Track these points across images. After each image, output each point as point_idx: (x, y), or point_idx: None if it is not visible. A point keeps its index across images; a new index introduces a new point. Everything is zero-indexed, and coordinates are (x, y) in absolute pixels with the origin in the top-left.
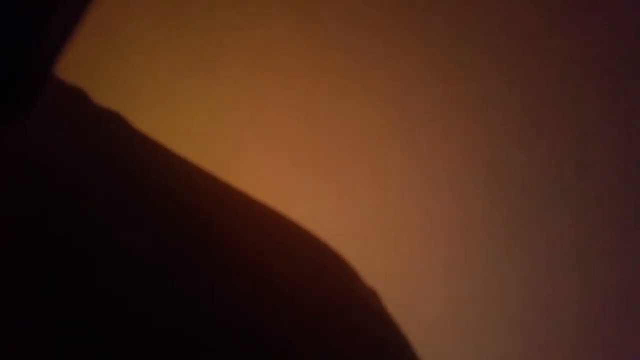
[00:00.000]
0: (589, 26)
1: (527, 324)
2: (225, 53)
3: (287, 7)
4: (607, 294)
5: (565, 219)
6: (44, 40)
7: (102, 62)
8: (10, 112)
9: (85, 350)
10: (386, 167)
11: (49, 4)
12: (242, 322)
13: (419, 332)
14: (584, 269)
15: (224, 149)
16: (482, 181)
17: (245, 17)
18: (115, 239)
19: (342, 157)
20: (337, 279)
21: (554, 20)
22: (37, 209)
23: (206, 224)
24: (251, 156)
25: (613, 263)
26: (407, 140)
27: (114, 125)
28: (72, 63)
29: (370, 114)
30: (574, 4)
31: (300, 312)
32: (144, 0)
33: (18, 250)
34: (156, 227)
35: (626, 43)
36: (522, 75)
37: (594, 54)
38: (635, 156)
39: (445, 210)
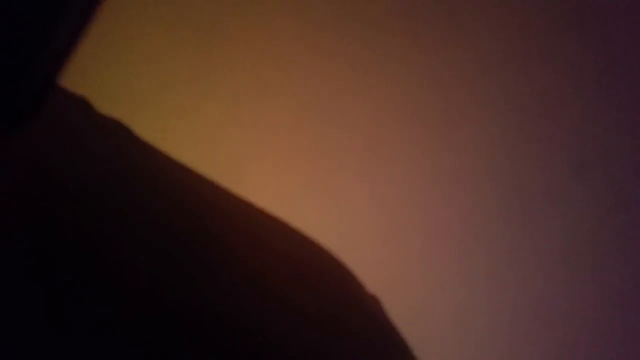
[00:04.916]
0: (589, 26)
1: (530, 329)
2: (227, 61)
3: (291, 13)
4: (609, 294)
5: (568, 220)
6: (50, 48)
7: (104, 70)
8: (16, 119)
9: (81, 354)
10: (388, 174)
11: (57, 13)
12: (241, 328)
13: (421, 338)
14: (588, 270)
15: (226, 156)
16: (483, 184)
17: (249, 25)
18: (115, 246)
19: (343, 164)
20: (339, 286)
21: (554, 21)
22: (37, 216)
23: (208, 232)
24: (253, 163)
25: (616, 263)
26: (409, 146)
27: (116, 133)
28: (74, 71)
29: (373, 120)
30: (574, 4)
31: (301, 318)
32: (147, 9)
33: (17, 255)
34: (157, 235)
35: (626, 42)
36: (523, 76)
37: (594, 53)
38: (635, 156)
39: (447, 215)
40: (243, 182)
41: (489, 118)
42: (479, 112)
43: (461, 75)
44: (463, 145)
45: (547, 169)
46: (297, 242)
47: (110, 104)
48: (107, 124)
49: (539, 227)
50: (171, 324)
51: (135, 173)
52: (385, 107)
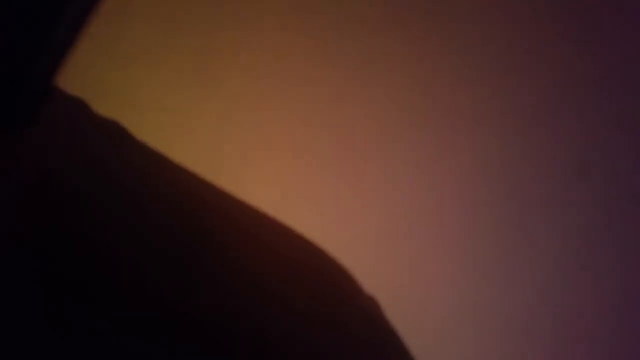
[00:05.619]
0: (588, 28)
1: (529, 330)
2: (227, 62)
3: (291, 17)
4: (609, 295)
5: (567, 222)
6: (48, 51)
7: (102, 72)
8: (15, 122)
9: (81, 354)
10: (387, 176)
11: (54, 16)
12: (241, 328)
13: (419, 340)
14: (588, 272)
15: (225, 159)
16: (482, 187)
17: (249, 26)
18: (115, 247)
19: (342, 166)
20: (337, 287)
21: (552, 23)
22: (37, 217)
23: (208, 233)
24: (252, 165)
25: (616, 265)
26: (410, 147)
27: (114, 135)
28: (72, 72)
29: (374, 121)
30: (572, 7)
31: (300, 319)
32: (145, 9)
33: (18, 255)
34: (157, 236)
35: (626, 43)
36: (522, 78)
37: (593, 55)
38: (635, 157)
39: (445, 217)
40: (242, 184)
41: (488, 120)
42: (478, 114)
43: (459, 78)
44: (462, 148)
45: (546, 171)
46: (295, 244)
47: (108, 105)
48: (105, 126)
49: (538, 229)
50: (171, 324)
51: (134, 174)
52: (385, 110)
